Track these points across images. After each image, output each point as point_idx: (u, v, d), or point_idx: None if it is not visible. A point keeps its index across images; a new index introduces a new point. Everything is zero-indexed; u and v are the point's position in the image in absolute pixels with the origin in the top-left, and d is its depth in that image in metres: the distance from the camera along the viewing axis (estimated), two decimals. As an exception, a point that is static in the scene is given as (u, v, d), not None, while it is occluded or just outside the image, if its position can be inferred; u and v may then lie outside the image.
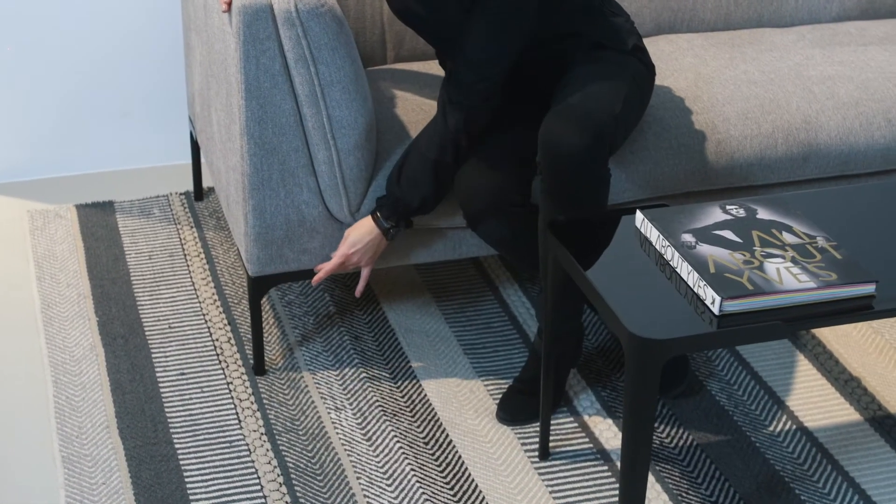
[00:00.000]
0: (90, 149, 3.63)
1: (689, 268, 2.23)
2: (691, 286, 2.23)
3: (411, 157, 2.64)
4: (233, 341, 2.95)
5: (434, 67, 3.13)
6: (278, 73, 2.61)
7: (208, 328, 2.99)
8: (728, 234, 2.33)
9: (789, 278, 2.20)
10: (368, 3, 3.17)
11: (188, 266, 3.22)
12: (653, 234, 2.36)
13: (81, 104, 3.58)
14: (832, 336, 3.01)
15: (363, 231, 2.70)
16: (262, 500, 2.50)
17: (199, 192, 3.52)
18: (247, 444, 2.64)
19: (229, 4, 2.59)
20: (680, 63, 3.14)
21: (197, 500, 2.50)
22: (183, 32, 3.33)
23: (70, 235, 3.34)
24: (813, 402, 2.81)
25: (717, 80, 3.05)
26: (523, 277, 3.21)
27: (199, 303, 3.08)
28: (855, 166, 3.02)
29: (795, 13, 3.51)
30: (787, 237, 2.32)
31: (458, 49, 2.60)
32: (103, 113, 3.60)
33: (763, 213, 2.40)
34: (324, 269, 2.74)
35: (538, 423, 2.71)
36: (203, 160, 3.52)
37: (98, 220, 3.41)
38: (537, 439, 2.68)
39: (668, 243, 2.30)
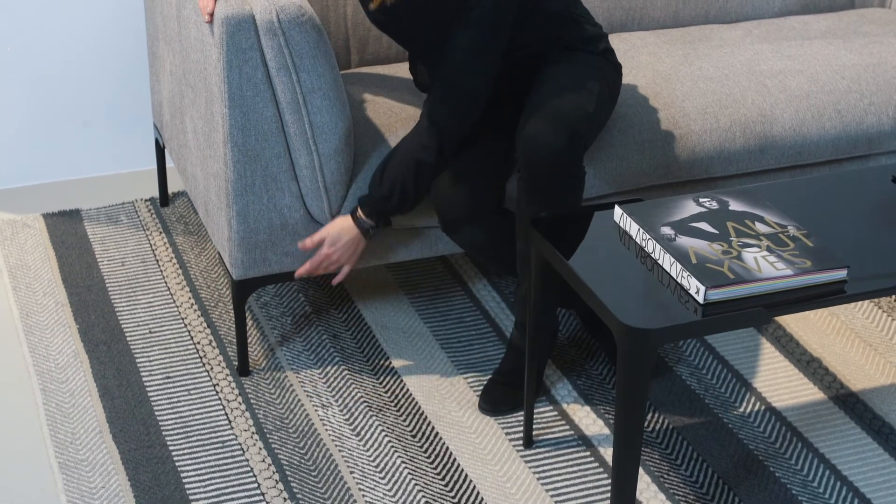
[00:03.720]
0: (54, 157, 3.66)
1: (672, 259, 2.34)
2: (675, 277, 2.33)
3: (395, 158, 2.72)
4: (214, 344, 3.01)
5: (399, 70, 3.21)
6: (261, 82, 2.67)
7: (188, 332, 3.05)
8: (704, 226, 2.44)
9: (767, 266, 2.31)
10: (332, 9, 3.24)
11: (161, 271, 3.28)
12: (632, 228, 2.46)
13: (44, 113, 3.60)
14: (792, 320, 3.14)
15: (341, 229, 2.77)
16: (261, 498, 2.57)
17: (165, 198, 3.57)
18: (239, 444, 2.71)
19: (211, 15, 2.65)
20: (637, 61, 3.25)
21: (197, 499, 2.56)
22: (147, 41, 3.38)
23: (40, 245, 3.38)
24: (779, 383, 2.93)
25: (675, 77, 3.17)
26: (491, 273, 3.30)
27: (177, 307, 3.14)
28: (808, 156, 3.15)
29: (740, 9, 3.64)
30: (760, 227, 2.44)
31: (442, 52, 2.67)
32: (66, 121, 3.63)
33: (735, 205, 2.51)
34: (304, 269, 2.80)
35: (520, 413, 2.81)
36: (171, 166, 3.57)
37: (67, 229, 3.44)
38: (520, 428, 2.77)
39: (648, 236, 2.41)
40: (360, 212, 2.75)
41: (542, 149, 2.59)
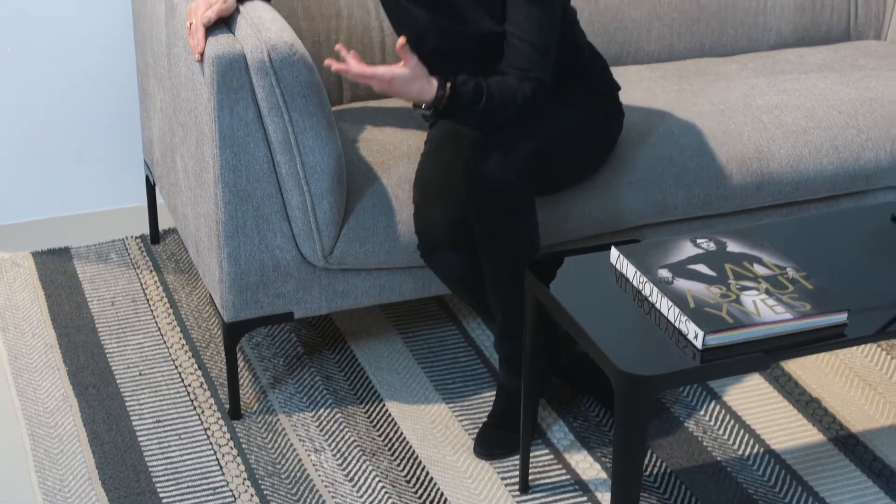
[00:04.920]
0: (44, 194, 3.62)
1: (670, 303, 2.30)
2: (672, 321, 2.29)
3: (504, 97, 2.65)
4: (205, 386, 2.97)
5: (391, 103, 3.18)
6: (252, 122, 2.64)
7: (179, 374, 3.01)
8: (702, 269, 2.40)
9: (766, 310, 2.28)
10: (324, 45, 3.21)
11: (152, 311, 3.24)
12: (629, 270, 2.42)
13: (34, 150, 3.57)
14: (790, 359, 3.10)
15: (422, 89, 2.60)
16: (252, 546, 2.53)
17: (156, 235, 3.53)
18: (231, 490, 2.67)
19: (202, 55, 2.61)
20: (632, 97, 3.22)
21: (187, 548, 2.52)
22: (138, 78, 3.35)
23: (29, 284, 3.33)
24: (778, 424, 2.89)
25: (670, 114, 3.14)
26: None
27: (168, 348, 3.10)
28: (806, 192, 3.12)
29: (735, 42, 3.62)
30: (759, 269, 2.40)
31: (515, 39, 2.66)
32: (56, 158, 3.60)
33: (733, 246, 2.48)
34: (351, 68, 2.56)
35: (515, 457, 2.76)
36: (162, 203, 3.53)
37: (56, 267, 3.40)
38: (516, 473, 2.73)
39: (645, 279, 2.37)
40: (448, 91, 2.60)
41: (480, 175, 2.59)
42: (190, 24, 2.64)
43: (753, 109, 3.18)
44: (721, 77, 3.38)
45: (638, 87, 3.30)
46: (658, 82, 3.34)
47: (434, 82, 2.59)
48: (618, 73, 3.37)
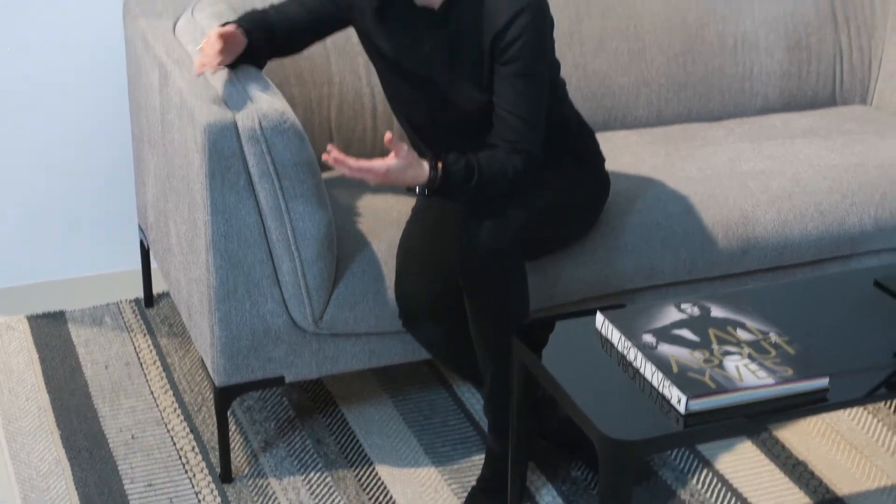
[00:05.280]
0: (39, 258, 3.66)
1: (653, 368, 2.33)
2: (656, 386, 2.32)
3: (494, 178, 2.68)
4: (197, 449, 2.99)
5: (382, 172, 3.22)
6: (243, 189, 2.68)
7: (171, 437, 3.03)
8: (686, 334, 2.44)
9: (748, 375, 2.31)
10: (316, 112, 3.26)
11: (145, 374, 3.26)
12: (614, 335, 2.46)
13: (30, 214, 3.61)
14: (777, 421, 3.13)
15: (416, 174, 2.63)
16: None
17: (150, 299, 3.57)
18: (221, 554, 2.69)
19: (203, 67, 2.65)
20: (619, 162, 3.26)
21: None
22: (133, 143, 3.40)
23: (24, 348, 3.36)
24: (764, 487, 2.91)
25: (657, 179, 3.18)
26: (476, 374, 3.29)
27: (160, 411, 3.12)
28: (791, 257, 3.16)
29: (722, 107, 3.67)
30: (742, 334, 2.44)
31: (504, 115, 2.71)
32: (52, 223, 3.64)
33: (716, 311, 2.51)
34: (343, 161, 2.59)
35: (504, 521, 2.78)
36: (156, 268, 3.56)
37: (51, 331, 3.44)
38: (504, 536, 2.75)
39: (630, 344, 2.40)
40: (440, 172, 2.63)
41: (472, 246, 2.63)
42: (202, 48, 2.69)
43: (739, 175, 3.22)
44: (708, 142, 3.43)
45: (626, 152, 3.35)
46: (646, 147, 3.39)
47: (425, 165, 2.63)
48: (606, 138, 3.42)
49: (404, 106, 2.87)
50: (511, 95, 2.69)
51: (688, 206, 3.09)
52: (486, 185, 2.65)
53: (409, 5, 2.73)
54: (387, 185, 2.63)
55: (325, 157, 2.56)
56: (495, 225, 2.64)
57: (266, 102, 2.66)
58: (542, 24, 2.69)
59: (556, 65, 2.87)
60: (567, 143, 2.91)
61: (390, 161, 2.58)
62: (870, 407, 3.18)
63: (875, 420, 3.14)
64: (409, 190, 2.66)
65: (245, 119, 2.64)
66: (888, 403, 3.19)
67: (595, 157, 2.98)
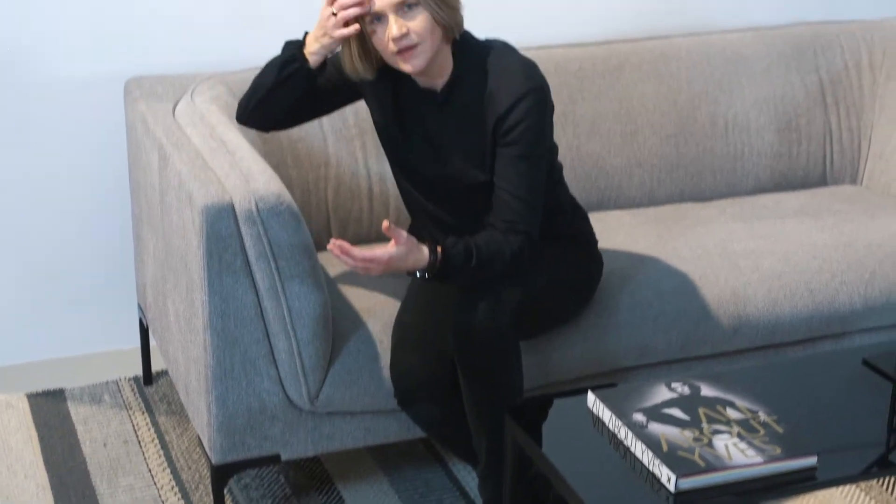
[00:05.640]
0: (39, 337, 3.69)
1: (644, 447, 2.36)
2: (646, 465, 2.35)
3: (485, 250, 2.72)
4: (193, 527, 3.02)
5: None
6: (240, 269, 2.72)
7: (168, 515, 3.06)
8: (676, 412, 2.47)
9: (737, 454, 2.34)
10: (313, 192, 3.32)
11: (143, 452, 3.29)
12: (605, 414, 2.49)
13: (30, 293, 3.64)
14: (770, 499, 3.15)
15: (416, 259, 2.68)
16: None
17: (149, 377, 3.60)
18: None
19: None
20: (613, 242, 3.31)
21: None
22: (133, 224, 3.45)
23: (23, 425, 3.39)
24: (757, 565, 2.93)
25: (650, 258, 3.22)
26: (471, 451, 3.31)
27: (158, 489, 3.14)
28: (782, 335, 3.20)
29: (714, 188, 3.73)
30: (731, 413, 2.47)
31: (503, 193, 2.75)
32: (52, 301, 3.67)
33: (706, 390, 2.55)
34: (348, 252, 2.65)
35: None
36: (154, 345, 3.60)
37: (50, 409, 3.47)
38: None
39: (621, 423, 2.44)
40: (440, 255, 2.69)
41: (468, 324, 2.67)
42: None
43: (731, 254, 3.27)
44: (700, 222, 3.48)
45: (619, 231, 3.40)
46: (638, 227, 3.44)
47: (425, 250, 2.68)
48: (600, 217, 3.47)
49: (410, 181, 2.92)
50: (512, 177, 2.74)
51: (679, 286, 3.13)
52: (484, 266, 2.70)
53: (414, 87, 2.80)
54: (389, 273, 2.68)
55: (329, 247, 2.61)
56: (491, 304, 2.69)
57: (263, 185, 2.71)
58: (544, 108, 2.75)
59: (554, 148, 2.92)
60: (561, 225, 2.96)
61: (391, 249, 2.63)
62: (862, 484, 3.20)
63: (867, 497, 3.15)
64: (410, 274, 2.71)
65: (242, 201, 2.69)
66: (880, 481, 3.21)
67: (589, 238, 3.03)
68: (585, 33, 3.78)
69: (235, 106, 3.01)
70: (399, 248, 2.64)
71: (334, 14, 2.68)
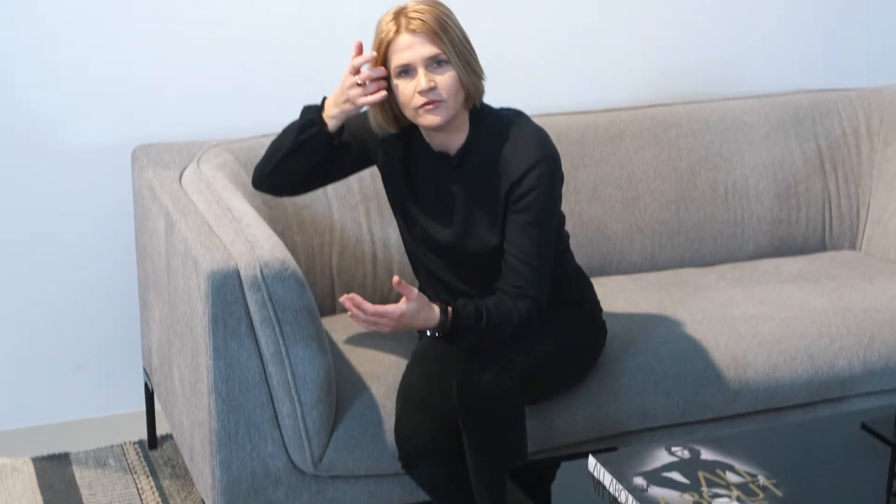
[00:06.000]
0: (45, 401, 3.71)
1: (644, 511, 2.38)
2: (647, 528, 2.37)
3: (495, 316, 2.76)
4: (197, 591, 3.03)
5: (382, 316, 3.30)
6: (245, 334, 2.76)
7: (172, 579, 3.07)
8: (676, 476, 2.49)
9: (737, 517, 2.36)
10: (317, 257, 3.35)
11: (147, 516, 3.31)
12: (606, 478, 2.51)
13: (36, 357, 3.66)
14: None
15: (427, 317, 2.72)
16: None
17: (154, 441, 3.62)
18: None
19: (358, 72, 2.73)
20: (614, 306, 3.34)
21: None
22: (139, 289, 3.48)
23: (29, 489, 3.41)
24: None
25: (650, 324, 3.25)
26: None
27: (161, 553, 3.16)
28: (782, 400, 3.22)
29: (715, 253, 3.76)
30: (731, 477, 2.49)
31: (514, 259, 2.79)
32: (57, 365, 3.69)
33: (706, 454, 2.57)
34: (360, 306, 2.68)
35: None
36: (159, 409, 3.62)
37: (55, 473, 3.48)
38: None
39: (621, 487, 2.46)
40: (450, 315, 2.73)
41: (473, 385, 2.70)
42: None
43: (730, 319, 3.30)
44: (700, 287, 3.52)
45: (620, 297, 3.43)
46: (639, 293, 3.47)
47: (436, 309, 2.71)
48: (601, 283, 3.50)
49: (420, 244, 2.95)
50: (522, 243, 2.78)
51: (680, 351, 3.16)
52: (493, 329, 2.73)
53: (427, 150, 2.84)
54: (399, 331, 2.71)
55: (342, 299, 2.65)
56: (497, 366, 2.71)
57: (268, 251, 2.75)
58: (556, 177, 2.80)
59: (562, 217, 2.96)
60: (567, 291, 3.00)
61: (403, 305, 2.67)
62: (863, 549, 3.21)
63: (868, 562, 3.16)
64: (420, 332, 2.74)
65: (247, 267, 2.73)
66: (881, 545, 3.22)
67: (593, 306, 3.07)
68: (587, 101, 3.84)
69: (241, 173, 3.06)
70: (410, 305, 2.67)
71: (358, 84, 2.73)
